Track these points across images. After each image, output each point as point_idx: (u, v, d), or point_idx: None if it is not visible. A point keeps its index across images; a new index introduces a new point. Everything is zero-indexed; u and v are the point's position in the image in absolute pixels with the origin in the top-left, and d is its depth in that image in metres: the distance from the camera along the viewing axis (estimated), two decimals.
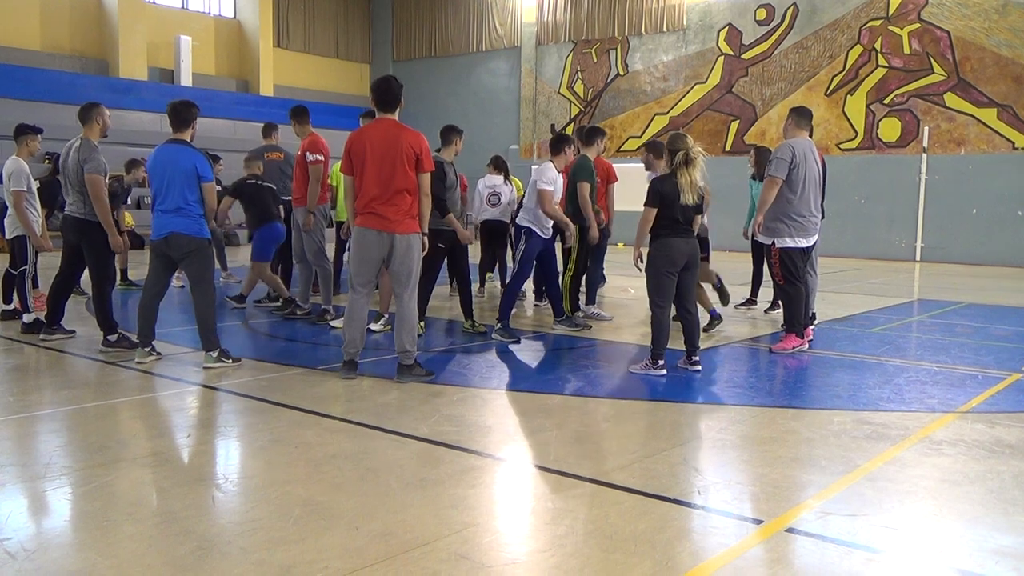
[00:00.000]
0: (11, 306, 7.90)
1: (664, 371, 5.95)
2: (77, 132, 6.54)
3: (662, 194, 5.92)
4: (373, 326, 7.39)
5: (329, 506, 3.40)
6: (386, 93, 5.62)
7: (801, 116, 7.02)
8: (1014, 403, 5.37)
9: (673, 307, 6.18)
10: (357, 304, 5.71)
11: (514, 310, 8.20)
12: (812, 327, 7.41)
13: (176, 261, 6.07)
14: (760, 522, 3.32)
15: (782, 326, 7.42)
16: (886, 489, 3.73)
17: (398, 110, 5.66)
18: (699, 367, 6.09)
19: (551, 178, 7.46)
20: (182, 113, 6.00)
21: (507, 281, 8.22)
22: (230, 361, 6.03)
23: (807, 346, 6.96)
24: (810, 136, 7.08)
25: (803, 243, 6.88)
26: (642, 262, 6.19)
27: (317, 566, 2.83)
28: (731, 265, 13.15)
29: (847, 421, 4.84)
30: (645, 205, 6.02)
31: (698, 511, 3.46)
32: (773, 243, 6.91)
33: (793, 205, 6.79)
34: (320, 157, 7.96)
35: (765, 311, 9.10)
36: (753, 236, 8.36)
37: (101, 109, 6.54)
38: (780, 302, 8.32)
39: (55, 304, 6.95)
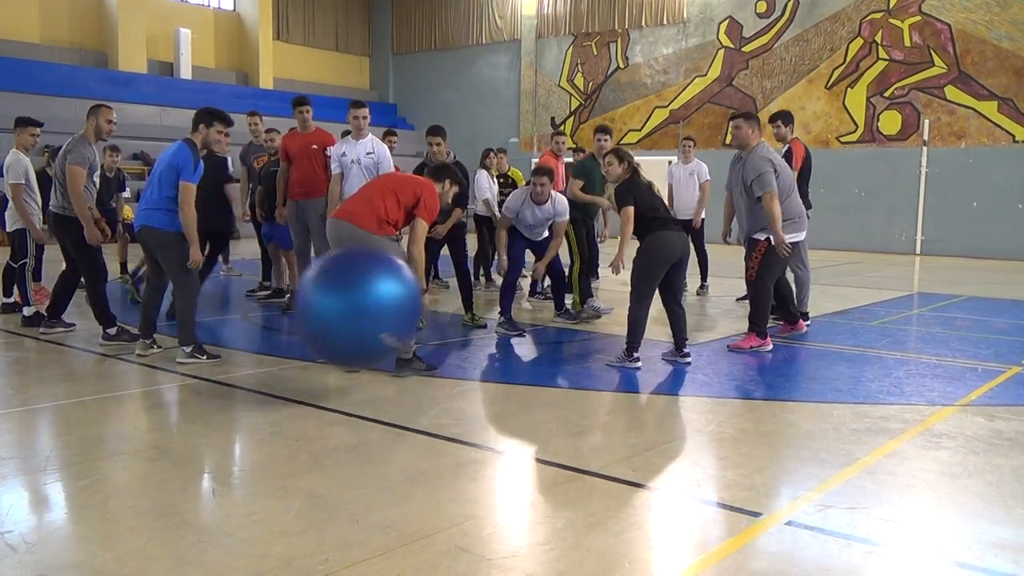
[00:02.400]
0: (11, 299, 7.89)
1: (639, 364, 5.94)
2: (76, 125, 6.52)
3: (633, 192, 6.01)
4: None
5: (329, 499, 3.41)
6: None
7: (754, 119, 6.88)
8: (1014, 396, 5.37)
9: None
10: None
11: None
12: (807, 324, 7.48)
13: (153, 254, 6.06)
14: (759, 515, 3.33)
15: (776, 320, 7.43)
16: (885, 482, 3.73)
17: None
18: (689, 359, 6.09)
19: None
20: (195, 117, 6.04)
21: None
22: (204, 357, 5.90)
23: (770, 346, 6.75)
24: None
25: (796, 238, 6.88)
26: (624, 267, 6.08)
27: (317, 559, 2.84)
28: (729, 258, 13.12)
29: (846, 414, 4.85)
30: (622, 206, 6.00)
31: (698, 504, 3.47)
32: (768, 239, 6.88)
33: (789, 204, 6.75)
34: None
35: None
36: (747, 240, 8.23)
37: (101, 111, 6.41)
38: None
39: (57, 299, 6.93)
